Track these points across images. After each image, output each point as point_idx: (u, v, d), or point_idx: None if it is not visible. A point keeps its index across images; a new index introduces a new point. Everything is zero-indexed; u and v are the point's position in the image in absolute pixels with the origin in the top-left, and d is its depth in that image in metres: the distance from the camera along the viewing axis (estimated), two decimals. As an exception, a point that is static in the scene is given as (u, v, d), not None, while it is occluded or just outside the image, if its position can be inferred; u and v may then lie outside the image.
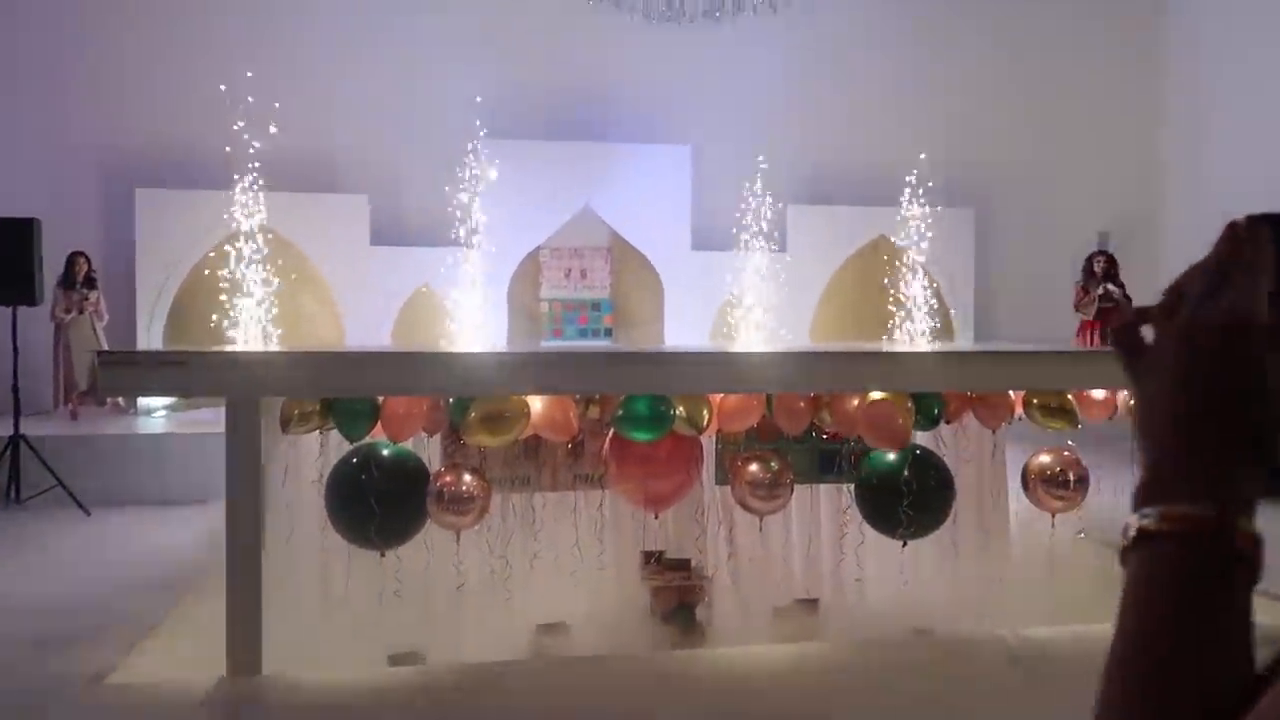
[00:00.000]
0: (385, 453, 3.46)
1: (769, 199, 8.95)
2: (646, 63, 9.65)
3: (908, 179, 9.04)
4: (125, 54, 9.14)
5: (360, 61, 9.42)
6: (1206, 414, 0.54)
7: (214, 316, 7.86)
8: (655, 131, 9.71)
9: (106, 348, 7.66)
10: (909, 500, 3.59)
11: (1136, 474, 0.56)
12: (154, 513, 5.98)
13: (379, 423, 3.42)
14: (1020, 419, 3.90)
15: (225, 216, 7.95)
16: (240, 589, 3.04)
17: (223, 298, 7.91)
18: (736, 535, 4.15)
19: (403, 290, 9.18)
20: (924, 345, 7.48)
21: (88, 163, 9.12)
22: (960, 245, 9.88)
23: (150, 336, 8.68)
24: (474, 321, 8.34)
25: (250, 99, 7.95)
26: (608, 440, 3.69)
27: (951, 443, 4.15)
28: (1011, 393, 3.83)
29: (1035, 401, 3.76)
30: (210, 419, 6.64)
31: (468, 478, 3.46)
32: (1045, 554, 3.95)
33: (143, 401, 8.14)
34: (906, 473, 3.61)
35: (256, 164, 7.89)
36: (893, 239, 9.40)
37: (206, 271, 8.26)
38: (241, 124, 7.83)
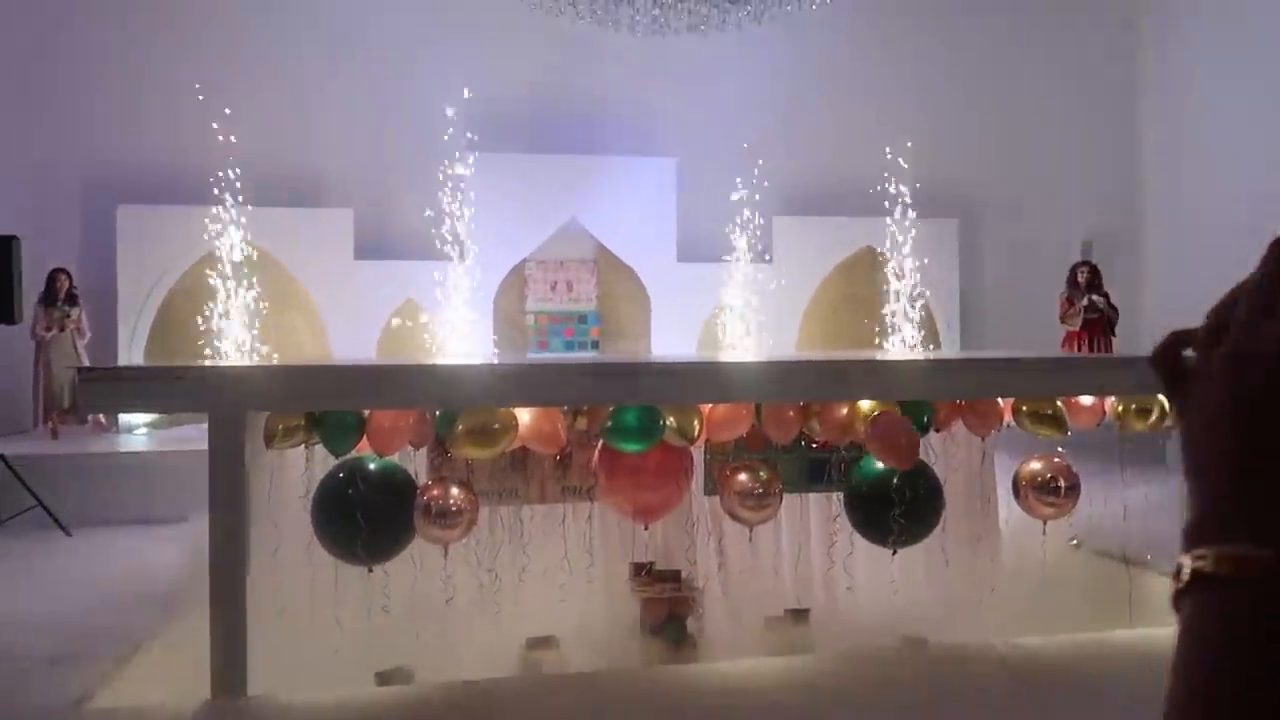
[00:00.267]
0: (372, 467, 3.42)
1: (755, 211, 8.97)
2: (632, 76, 9.68)
3: (892, 191, 9.09)
4: (106, 69, 9.09)
5: (343, 76, 9.40)
6: (1258, 450, 0.50)
7: (197, 332, 7.79)
8: (641, 144, 9.74)
9: (88, 365, 7.58)
10: (900, 509, 3.58)
11: (1183, 510, 0.53)
12: (136, 532, 5.90)
13: (365, 437, 3.38)
14: (1009, 426, 3.91)
15: (207, 234, 7.90)
16: (224, 609, 2.98)
17: (205, 314, 7.85)
18: (726, 546, 4.13)
19: (388, 304, 9.14)
20: (914, 354, 7.49)
21: (68, 179, 9.04)
22: (944, 256, 9.93)
23: (132, 354, 8.60)
24: (460, 335, 8.30)
25: (231, 113, 7.91)
26: (597, 452, 3.66)
27: (941, 451, 4.15)
28: (1000, 400, 3.83)
29: (1025, 409, 3.76)
30: (193, 436, 6.58)
31: (455, 491, 3.43)
32: (1036, 562, 3.94)
33: (124, 419, 8.06)
34: (896, 481, 3.61)
35: (239, 180, 7.85)
36: (878, 250, 9.43)
37: (189, 288, 8.20)
38: (223, 140, 7.79)
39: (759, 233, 9.14)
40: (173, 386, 3.07)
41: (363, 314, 8.99)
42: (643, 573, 3.98)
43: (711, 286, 9.12)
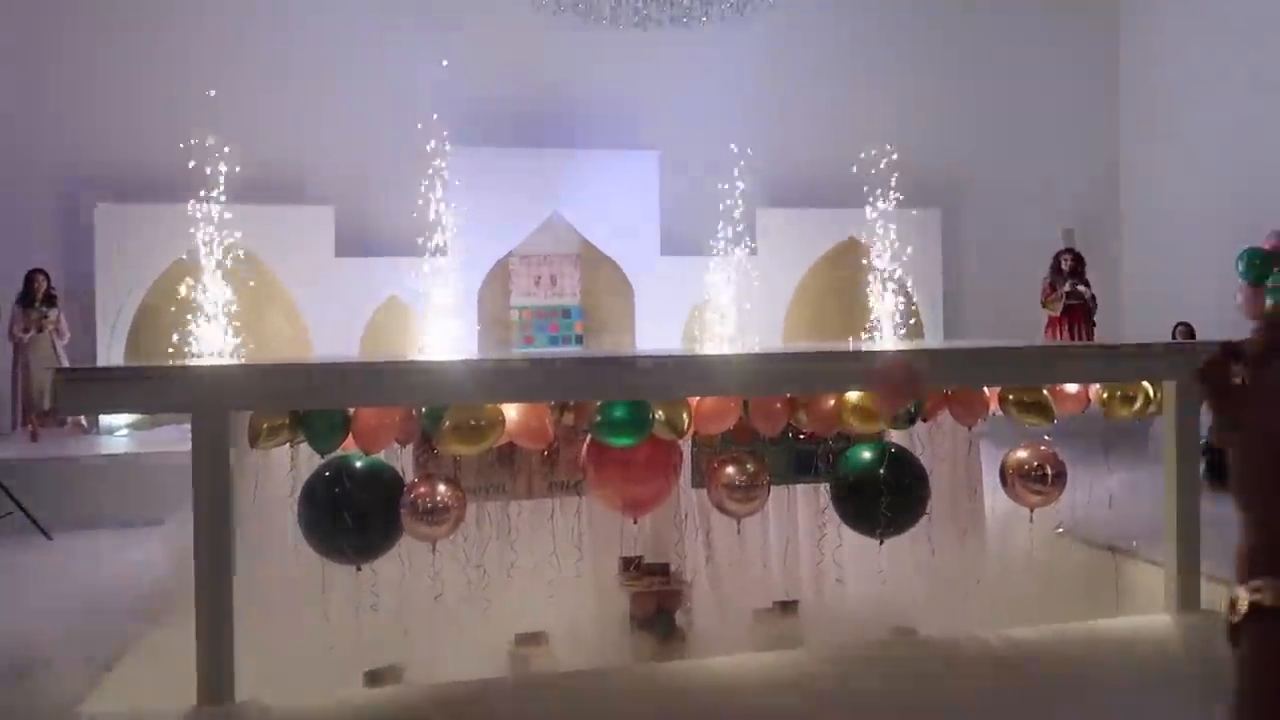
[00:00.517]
0: (359, 465, 3.39)
1: (738, 203, 8.96)
2: (613, 69, 9.65)
3: (875, 182, 9.10)
4: (81, 67, 8.97)
5: (323, 72, 9.32)
6: None
7: (176, 333, 7.70)
8: (623, 137, 9.71)
9: (68, 366, 7.49)
10: (887, 499, 3.58)
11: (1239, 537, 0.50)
12: (118, 535, 5.82)
13: (350, 435, 3.35)
14: (995, 415, 3.92)
15: (187, 231, 7.80)
16: (210, 612, 2.94)
17: (185, 313, 7.76)
18: (714, 538, 4.13)
19: (370, 302, 9.08)
20: (900, 343, 7.51)
21: (45, 179, 8.92)
22: (927, 245, 9.96)
23: (111, 354, 8.50)
24: (444, 331, 8.25)
25: (210, 110, 7.83)
26: (585, 446, 3.65)
27: (926, 440, 4.16)
28: (985, 389, 3.84)
29: (1011, 397, 3.77)
30: (174, 437, 6.51)
31: (442, 488, 3.40)
32: (1023, 550, 3.96)
33: (104, 421, 7.97)
34: (882, 471, 3.62)
35: (218, 177, 7.76)
36: (861, 240, 9.45)
37: (168, 287, 8.11)
38: (202, 137, 7.70)
39: (742, 225, 9.13)
40: (154, 386, 3.04)
41: (344, 312, 8.92)
42: (631, 567, 3.97)
43: (695, 279, 9.10)
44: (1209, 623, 3.59)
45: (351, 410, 3.32)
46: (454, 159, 8.37)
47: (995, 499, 4.26)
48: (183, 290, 7.70)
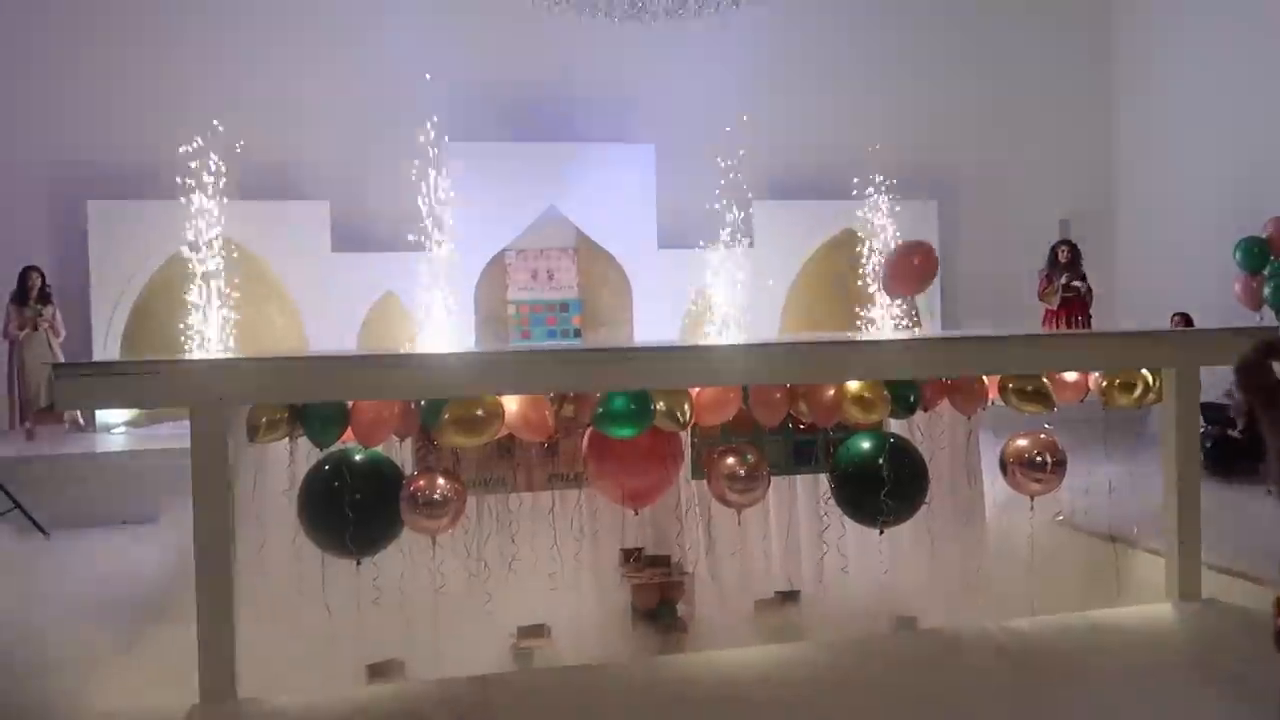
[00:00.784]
0: (359, 458, 3.38)
1: (735, 195, 8.93)
2: (609, 62, 9.61)
3: (871, 173, 9.08)
4: (73, 64, 8.91)
5: (318, 66, 9.27)
6: None
7: (174, 327, 7.66)
8: (619, 130, 9.68)
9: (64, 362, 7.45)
10: (887, 488, 3.58)
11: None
12: (117, 532, 5.80)
13: (349, 428, 3.34)
14: (994, 404, 3.92)
15: (181, 227, 7.76)
16: (211, 609, 2.93)
17: (181, 309, 7.72)
18: (715, 529, 4.12)
19: (367, 297, 9.05)
20: (900, 333, 7.51)
21: (38, 176, 8.86)
22: (924, 236, 9.90)
23: (107, 351, 8.45)
24: (441, 326, 8.22)
25: (204, 105, 7.78)
26: (586, 438, 3.64)
27: (926, 429, 4.16)
28: (985, 378, 3.84)
29: (1011, 386, 3.77)
30: (173, 433, 6.49)
31: (442, 481, 3.39)
32: (1023, 538, 3.96)
33: (101, 418, 7.94)
34: (882, 461, 3.61)
35: (214, 172, 7.71)
36: (858, 232, 9.43)
37: (163, 283, 8.07)
38: (196, 133, 7.65)
39: (739, 217, 9.11)
40: (152, 380, 3.02)
41: (341, 307, 8.89)
42: (632, 559, 3.97)
43: (693, 272, 9.07)
44: (1210, 611, 3.60)
45: (350, 404, 3.30)
46: (450, 153, 8.33)
47: (995, 487, 4.25)
48: (177, 286, 7.66)
